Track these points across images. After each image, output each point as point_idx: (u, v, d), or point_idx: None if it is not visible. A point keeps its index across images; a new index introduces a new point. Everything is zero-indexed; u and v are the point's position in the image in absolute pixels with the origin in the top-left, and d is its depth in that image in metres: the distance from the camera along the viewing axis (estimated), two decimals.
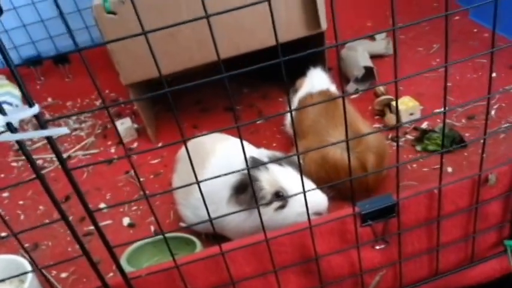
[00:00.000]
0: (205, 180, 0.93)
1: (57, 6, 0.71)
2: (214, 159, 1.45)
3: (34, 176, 0.84)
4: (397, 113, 1.25)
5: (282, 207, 1.27)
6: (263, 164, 1.23)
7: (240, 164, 1.31)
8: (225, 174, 0.98)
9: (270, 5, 0.77)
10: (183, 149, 1.69)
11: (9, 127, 0.74)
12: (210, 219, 0.96)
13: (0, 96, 2.69)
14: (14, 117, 0.72)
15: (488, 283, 1.32)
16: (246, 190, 1.28)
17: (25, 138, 0.76)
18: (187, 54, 1.97)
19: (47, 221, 1.91)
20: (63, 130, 0.74)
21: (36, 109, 0.73)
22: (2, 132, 0.75)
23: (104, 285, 1.03)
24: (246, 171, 1.23)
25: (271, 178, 1.28)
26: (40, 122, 0.76)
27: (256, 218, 1.25)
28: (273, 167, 1.30)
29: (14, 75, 0.72)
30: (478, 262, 1.28)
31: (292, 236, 1.10)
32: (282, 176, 1.28)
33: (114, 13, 1.82)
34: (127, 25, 1.82)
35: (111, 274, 1.62)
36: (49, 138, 0.80)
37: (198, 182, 0.91)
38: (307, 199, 1.02)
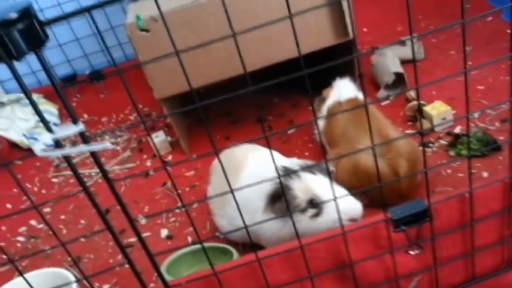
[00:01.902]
0: (240, 188, 0.96)
1: (95, 25, 0.76)
2: (247, 169, 1.49)
3: (80, 188, 0.89)
4: (420, 122, 1.25)
5: (317, 214, 1.29)
6: (294, 172, 1.26)
7: (273, 174, 1.34)
8: (258, 183, 1.01)
9: (292, 21, 0.80)
10: (216, 160, 1.74)
11: (57, 144, 0.79)
12: (246, 227, 0.99)
13: None
14: (61, 134, 0.77)
15: None
16: (281, 199, 1.31)
17: (72, 153, 0.81)
18: (218, 66, 2.01)
19: (89, 234, 1.99)
20: (108, 145, 0.79)
21: (81, 126, 0.77)
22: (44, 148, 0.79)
23: None
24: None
25: (304, 186, 1.31)
26: (84, 138, 0.81)
27: (292, 226, 1.28)
28: (305, 175, 1.32)
29: (58, 93, 0.77)
30: None
31: (327, 242, 1.12)
32: (315, 184, 1.31)
33: (147, 30, 1.89)
34: (159, 41, 1.88)
35: (152, 284, 1.67)
36: (93, 153, 0.85)
37: (232, 191, 0.94)
38: (341, 206, 1.04)
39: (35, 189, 2.37)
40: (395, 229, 1.11)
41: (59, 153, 0.78)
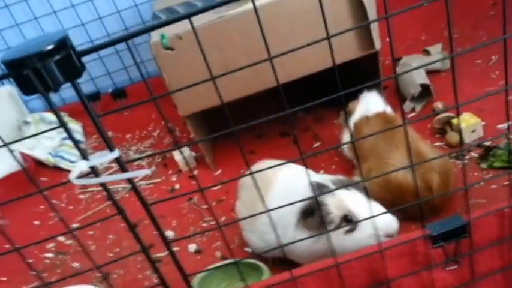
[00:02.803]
0: (274, 209, 0.95)
1: (128, 45, 0.76)
2: (277, 184, 1.48)
3: (116, 212, 0.89)
4: (460, 138, 1.23)
5: (352, 230, 1.28)
6: (330, 191, 1.25)
7: (304, 189, 1.33)
8: (295, 203, 1.00)
9: (329, 43, 0.80)
10: (246, 176, 1.74)
11: (93, 171, 0.79)
12: (283, 246, 0.98)
13: (63, 133, 2.84)
14: (97, 161, 0.77)
15: None
16: (313, 214, 1.30)
17: (107, 181, 0.82)
18: (243, 82, 2.02)
19: (117, 249, 2.00)
20: (145, 172, 0.79)
21: (116, 153, 0.78)
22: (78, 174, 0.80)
23: None
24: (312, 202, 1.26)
25: (337, 202, 1.30)
26: (121, 165, 0.82)
27: (325, 242, 1.27)
28: (338, 191, 1.31)
29: (95, 123, 0.77)
30: None
31: (362, 259, 1.11)
32: (349, 200, 1.29)
33: (171, 49, 1.91)
34: (184, 59, 1.90)
35: None
36: (130, 179, 0.85)
37: (268, 211, 0.93)
38: (377, 222, 1.02)
39: (62, 205, 2.39)
40: (433, 245, 1.10)
41: (95, 181, 0.78)
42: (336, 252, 1.16)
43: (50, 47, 0.66)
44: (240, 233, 1.83)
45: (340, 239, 1.27)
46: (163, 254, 1.90)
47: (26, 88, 0.66)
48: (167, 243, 0.98)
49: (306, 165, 0.98)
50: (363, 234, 1.27)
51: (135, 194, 0.88)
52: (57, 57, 0.66)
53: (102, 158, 0.78)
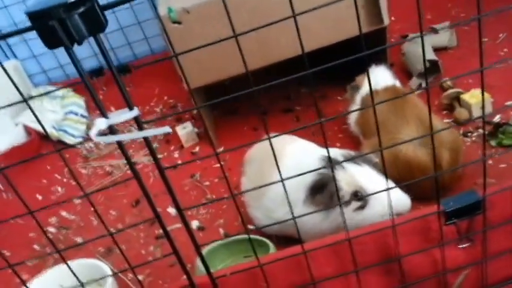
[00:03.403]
0: (288, 178, 0.92)
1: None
2: (286, 160, 1.45)
3: (132, 176, 0.87)
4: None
5: (362, 207, 1.25)
6: (340, 162, 1.22)
7: (312, 164, 1.30)
8: (304, 173, 0.97)
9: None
10: (252, 151, 1.71)
11: (111, 129, 0.77)
12: (294, 218, 0.96)
13: (67, 107, 2.80)
14: (116, 119, 0.75)
15: None
16: (322, 190, 1.27)
17: (126, 139, 0.79)
18: (248, 57, 1.97)
19: (120, 225, 1.98)
20: (167, 129, 0.76)
21: (136, 111, 0.75)
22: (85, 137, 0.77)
23: (190, 285, 1.05)
24: (322, 171, 1.22)
25: (348, 178, 1.26)
26: (139, 124, 0.79)
27: (334, 219, 1.24)
28: (349, 166, 1.28)
29: (120, 89, 0.75)
30: None
31: (374, 235, 1.08)
32: (360, 175, 1.26)
33: (179, 22, 1.86)
34: (192, 33, 1.86)
35: (184, 277, 1.65)
36: (146, 139, 0.83)
37: (282, 180, 0.91)
38: (389, 199, 1.00)
39: (64, 180, 2.37)
40: (446, 222, 1.07)
41: (114, 138, 0.76)
42: (344, 230, 1.15)
43: None
44: (244, 211, 1.82)
45: (349, 217, 1.24)
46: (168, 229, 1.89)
47: (50, 41, 0.65)
48: (180, 211, 0.95)
49: (325, 142, 0.95)
50: (374, 212, 1.24)
51: (152, 156, 0.86)
52: (81, 9, 0.65)
53: (122, 116, 0.76)
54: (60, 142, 2.68)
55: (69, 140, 2.66)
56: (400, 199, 1.24)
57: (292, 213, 0.97)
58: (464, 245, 1.14)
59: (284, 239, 1.62)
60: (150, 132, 0.76)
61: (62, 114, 2.80)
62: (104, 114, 0.75)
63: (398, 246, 1.06)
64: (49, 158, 2.54)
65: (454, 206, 1.06)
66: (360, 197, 1.24)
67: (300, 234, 1.29)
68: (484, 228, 1.09)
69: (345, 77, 2.02)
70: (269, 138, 0.87)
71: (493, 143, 1.72)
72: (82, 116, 2.81)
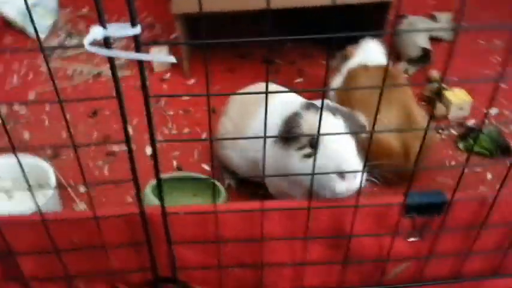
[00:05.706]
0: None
1: None
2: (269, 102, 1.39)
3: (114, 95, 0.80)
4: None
5: (309, 156, 1.18)
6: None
7: (293, 108, 1.25)
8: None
9: None
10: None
11: (106, 42, 0.69)
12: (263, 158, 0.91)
13: None
14: (113, 33, 0.67)
15: None
16: (289, 131, 1.21)
17: (120, 57, 0.72)
18: None
19: (72, 130, 1.89)
20: (171, 58, 0.69)
21: (138, 30, 0.67)
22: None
23: (141, 213, 1.01)
24: (292, 116, 1.19)
25: (314, 125, 1.12)
26: (138, 45, 0.72)
27: (287, 163, 1.22)
28: (325, 115, 1.16)
29: None
30: (502, 275, 1.25)
31: (332, 209, 1.07)
32: (326, 127, 1.15)
33: None
34: None
35: (129, 200, 1.61)
36: (141, 62, 0.76)
37: (265, 137, 0.86)
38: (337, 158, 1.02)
39: (22, 71, 2.24)
40: (405, 214, 1.07)
41: (110, 53, 0.68)
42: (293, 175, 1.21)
43: None
44: (200, 148, 1.78)
45: (297, 161, 1.20)
46: (117, 149, 1.83)
47: None
48: (154, 143, 0.89)
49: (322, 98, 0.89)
50: (316, 164, 1.13)
51: (141, 83, 0.78)
52: None
53: (122, 30, 0.68)
54: (22, 33, 2.52)
55: (32, 33, 2.48)
56: (348, 163, 1.13)
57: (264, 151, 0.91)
58: (413, 239, 1.14)
59: (238, 183, 1.65)
60: (152, 56, 0.69)
61: (30, 3, 2.59)
62: (102, 23, 0.67)
63: (352, 225, 1.05)
64: (9, 46, 2.39)
65: (419, 201, 1.05)
66: (312, 144, 1.17)
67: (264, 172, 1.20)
68: (439, 229, 1.10)
69: (336, 43, 1.95)
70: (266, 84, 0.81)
71: (461, 145, 1.73)
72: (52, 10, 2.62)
